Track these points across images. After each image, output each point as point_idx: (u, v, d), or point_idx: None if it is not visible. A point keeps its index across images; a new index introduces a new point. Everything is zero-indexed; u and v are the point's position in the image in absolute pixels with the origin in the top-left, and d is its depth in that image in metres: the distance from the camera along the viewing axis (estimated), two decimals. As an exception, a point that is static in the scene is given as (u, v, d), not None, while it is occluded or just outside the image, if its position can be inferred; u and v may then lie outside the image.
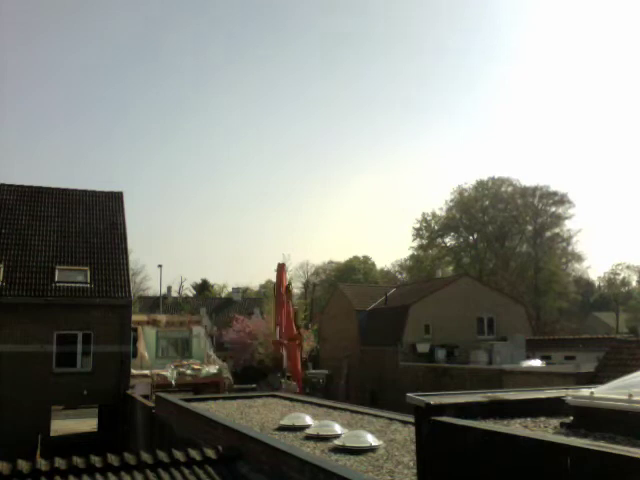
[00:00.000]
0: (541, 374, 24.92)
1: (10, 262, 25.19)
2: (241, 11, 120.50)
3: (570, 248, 69.64)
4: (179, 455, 9.22)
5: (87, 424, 28.69)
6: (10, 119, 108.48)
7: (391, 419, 12.12)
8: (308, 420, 11.60)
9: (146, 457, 9.04)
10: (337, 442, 9.43)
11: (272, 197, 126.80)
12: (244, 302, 62.17)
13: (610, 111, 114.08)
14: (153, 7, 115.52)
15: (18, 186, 29.27)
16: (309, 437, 10.45)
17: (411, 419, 7.37)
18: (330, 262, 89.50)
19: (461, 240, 73.40)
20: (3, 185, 28.94)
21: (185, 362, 29.69)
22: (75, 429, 28.08)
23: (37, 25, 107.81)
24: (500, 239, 68.74)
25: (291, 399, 17.15)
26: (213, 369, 29.70)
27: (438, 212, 73.33)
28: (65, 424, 28.22)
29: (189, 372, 28.58)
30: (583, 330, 57.92)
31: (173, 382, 27.28)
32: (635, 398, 4.09)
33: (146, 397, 23.03)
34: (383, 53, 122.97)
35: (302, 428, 11.20)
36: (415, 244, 74.97)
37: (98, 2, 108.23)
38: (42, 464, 8.53)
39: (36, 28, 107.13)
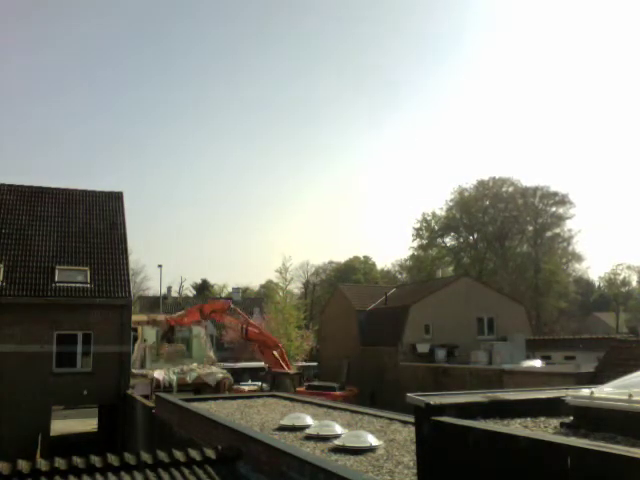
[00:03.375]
0: (541, 374, 24.93)
1: (10, 262, 25.19)
2: (244, 7, 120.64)
3: (570, 248, 69.67)
4: (179, 455, 9.22)
5: (87, 424, 28.74)
6: (10, 119, 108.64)
7: (391, 419, 12.11)
8: (308, 420, 11.60)
9: (146, 457, 9.04)
10: (337, 442, 9.42)
11: (272, 197, 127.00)
12: (244, 302, 62.07)
13: (610, 111, 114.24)
14: (155, 8, 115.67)
15: (18, 186, 29.27)
16: (309, 437, 10.44)
17: (411, 419, 7.37)
18: (330, 262, 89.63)
19: (461, 240, 73.32)
20: (3, 185, 28.94)
21: (185, 367, 29.59)
22: (75, 429, 28.12)
23: (37, 25, 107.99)
24: (500, 239, 68.64)
25: (291, 399, 17.14)
26: (215, 370, 29.67)
27: (438, 212, 73.31)
28: (65, 424, 28.24)
29: (188, 378, 28.51)
30: (583, 330, 57.87)
31: (174, 389, 27.16)
32: (635, 398, 4.08)
33: (146, 397, 23.02)
34: (381, 54, 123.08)
35: (302, 428, 11.20)
36: (415, 244, 74.93)
37: (101, 3, 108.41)
38: (42, 464, 8.53)
39: (36, 28, 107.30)
